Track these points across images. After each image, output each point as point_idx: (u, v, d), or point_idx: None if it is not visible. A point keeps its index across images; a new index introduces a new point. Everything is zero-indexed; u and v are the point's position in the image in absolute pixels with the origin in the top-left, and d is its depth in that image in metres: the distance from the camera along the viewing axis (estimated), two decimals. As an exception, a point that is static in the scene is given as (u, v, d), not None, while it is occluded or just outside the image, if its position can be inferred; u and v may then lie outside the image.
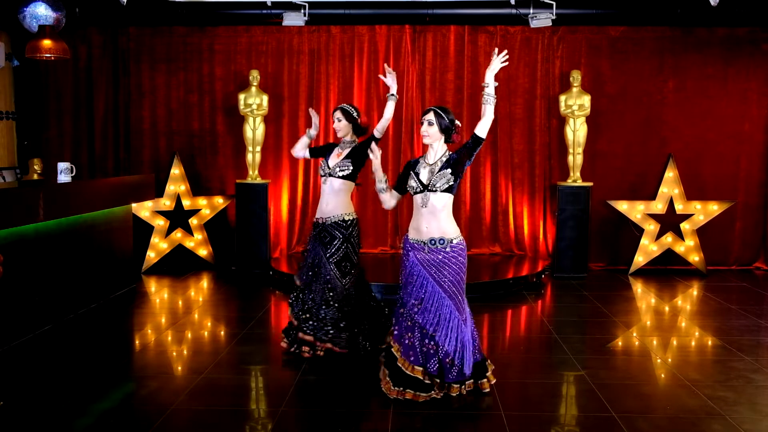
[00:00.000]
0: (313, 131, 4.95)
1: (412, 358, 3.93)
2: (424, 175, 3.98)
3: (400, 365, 3.94)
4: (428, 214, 3.94)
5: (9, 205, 4.83)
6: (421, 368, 3.92)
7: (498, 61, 4.01)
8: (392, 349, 4.00)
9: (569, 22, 7.76)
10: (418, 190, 3.97)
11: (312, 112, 5.04)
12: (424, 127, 4.00)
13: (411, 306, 3.95)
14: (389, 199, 4.26)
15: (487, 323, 5.90)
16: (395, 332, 4.02)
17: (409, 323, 3.95)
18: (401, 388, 3.93)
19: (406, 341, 3.95)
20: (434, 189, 3.92)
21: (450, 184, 3.92)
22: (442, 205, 3.95)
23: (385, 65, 4.86)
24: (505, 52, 4.05)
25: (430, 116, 4.01)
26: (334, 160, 4.75)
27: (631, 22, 7.85)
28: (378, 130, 4.72)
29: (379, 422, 3.74)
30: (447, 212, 3.97)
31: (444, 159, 4.00)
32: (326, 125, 7.69)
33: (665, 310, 6.40)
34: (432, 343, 3.93)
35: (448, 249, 3.94)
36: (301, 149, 4.92)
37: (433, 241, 3.94)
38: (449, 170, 3.93)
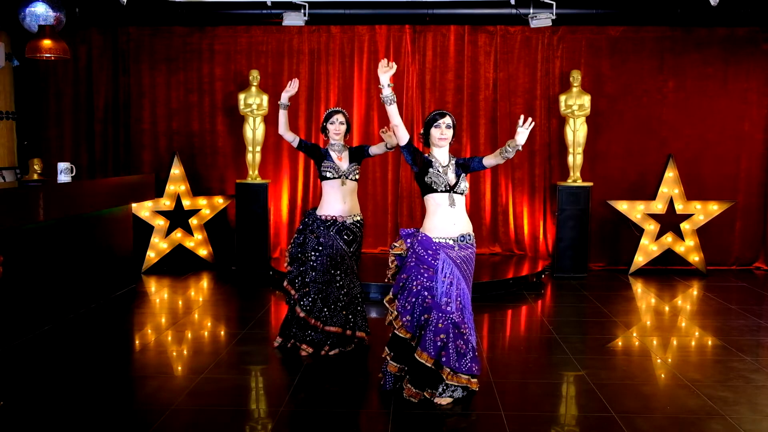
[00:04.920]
0: (284, 101, 4.81)
1: (443, 359, 3.89)
2: (448, 176, 3.97)
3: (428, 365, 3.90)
4: (454, 212, 3.96)
5: (9, 205, 4.83)
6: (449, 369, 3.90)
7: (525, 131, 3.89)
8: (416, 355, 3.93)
9: (569, 22, 7.76)
10: (444, 188, 3.94)
11: (293, 83, 4.84)
12: (443, 130, 3.99)
13: (445, 305, 3.88)
14: (405, 132, 4.00)
15: (487, 323, 5.91)
16: (426, 337, 3.91)
17: (441, 325, 3.88)
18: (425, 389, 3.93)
19: (438, 343, 3.88)
20: (461, 192, 3.98)
21: (468, 187, 4.05)
22: (463, 204, 4.02)
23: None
24: (531, 120, 3.90)
25: (448, 120, 4.02)
26: (342, 164, 4.82)
27: (631, 22, 7.85)
28: (373, 150, 4.91)
29: (379, 422, 3.75)
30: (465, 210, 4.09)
31: (453, 163, 4.04)
32: (316, 120, 7.71)
33: (665, 310, 6.40)
34: (461, 341, 3.91)
35: (472, 243, 4.01)
36: (287, 128, 4.83)
37: (462, 237, 3.96)
38: (464, 175, 4.02)
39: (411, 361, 3.94)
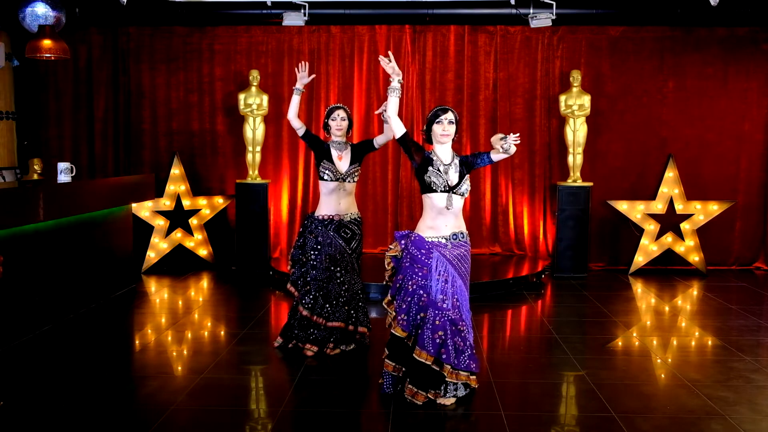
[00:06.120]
0: (299, 86, 4.86)
1: (444, 356, 3.89)
2: (449, 175, 3.93)
3: (429, 364, 3.89)
4: (450, 214, 3.94)
5: (9, 205, 4.84)
6: (449, 365, 3.89)
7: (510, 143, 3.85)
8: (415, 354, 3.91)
9: (569, 22, 7.76)
10: (444, 189, 3.91)
11: (302, 65, 4.89)
12: (445, 126, 3.94)
13: (441, 302, 3.87)
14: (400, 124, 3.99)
15: (487, 323, 5.91)
16: (423, 335, 3.90)
17: (438, 322, 3.88)
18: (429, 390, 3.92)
19: (437, 340, 3.88)
20: (461, 194, 3.94)
21: (469, 189, 4.01)
22: (461, 206, 3.99)
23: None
24: (518, 135, 3.88)
25: (451, 116, 3.97)
26: (342, 165, 4.80)
27: (631, 22, 7.85)
28: (380, 141, 4.86)
29: (379, 422, 3.75)
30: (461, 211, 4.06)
31: (456, 162, 3.99)
32: (316, 120, 7.70)
33: (665, 310, 6.40)
34: (459, 338, 3.92)
35: (465, 241, 3.99)
36: (296, 115, 4.85)
37: (455, 236, 3.95)
38: (467, 175, 3.98)
39: (410, 361, 3.94)
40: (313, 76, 4.98)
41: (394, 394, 4.01)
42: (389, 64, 3.99)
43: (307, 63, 4.95)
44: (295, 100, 4.85)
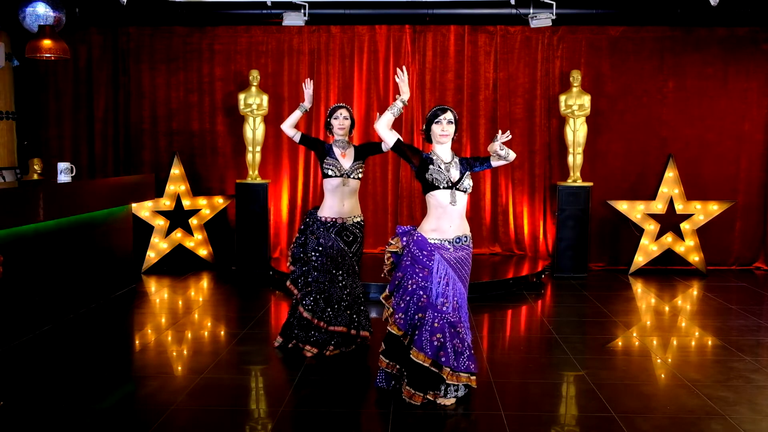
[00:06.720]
0: (307, 104, 4.93)
1: (443, 359, 3.88)
2: (450, 173, 3.92)
3: (427, 366, 3.86)
4: (454, 212, 3.91)
5: (9, 205, 4.84)
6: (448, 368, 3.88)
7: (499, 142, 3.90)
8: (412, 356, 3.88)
9: (569, 22, 7.76)
10: (446, 185, 3.89)
11: (308, 82, 4.95)
12: (444, 126, 3.94)
13: (441, 305, 3.87)
14: (392, 135, 4.00)
15: (487, 323, 5.91)
16: (419, 337, 3.88)
17: (437, 324, 3.87)
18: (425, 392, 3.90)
19: (435, 343, 3.86)
20: (464, 190, 3.93)
21: (471, 186, 3.99)
22: (464, 205, 3.97)
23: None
24: (508, 132, 3.97)
25: (450, 115, 3.96)
26: (345, 162, 4.79)
27: (631, 22, 7.85)
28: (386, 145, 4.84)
29: (379, 422, 3.75)
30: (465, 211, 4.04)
31: (456, 160, 3.99)
32: (316, 121, 7.70)
33: (665, 310, 6.40)
34: (458, 340, 3.91)
35: (468, 244, 3.98)
36: (291, 126, 4.87)
37: (458, 239, 3.93)
38: (468, 173, 3.97)
39: (407, 361, 3.93)
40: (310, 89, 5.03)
41: (392, 392, 4.02)
42: (402, 79, 3.99)
43: (312, 80, 5.02)
44: (297, 115, 4.89)
